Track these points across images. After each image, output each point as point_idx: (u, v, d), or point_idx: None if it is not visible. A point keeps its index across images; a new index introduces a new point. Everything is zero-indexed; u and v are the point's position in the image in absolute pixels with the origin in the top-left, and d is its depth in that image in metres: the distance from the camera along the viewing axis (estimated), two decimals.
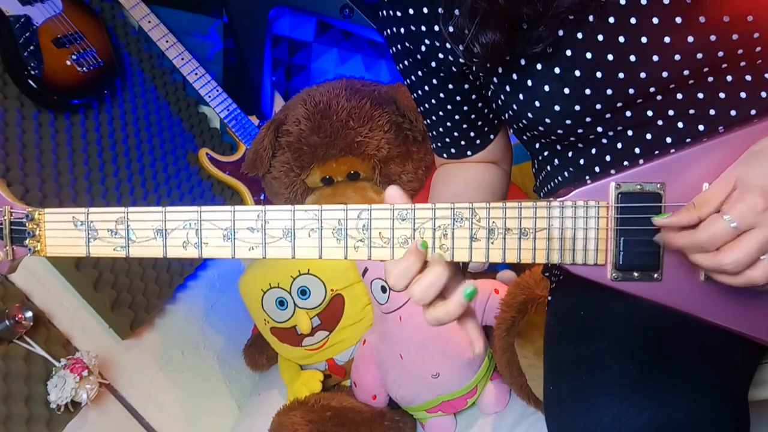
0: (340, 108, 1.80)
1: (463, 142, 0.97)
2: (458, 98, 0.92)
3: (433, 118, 0.96)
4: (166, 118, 2.16)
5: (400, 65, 0.94)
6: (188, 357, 1.97)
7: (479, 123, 0.96)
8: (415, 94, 0.96)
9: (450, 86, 0.91)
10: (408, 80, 0.95)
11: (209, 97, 2.11)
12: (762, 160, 0.65)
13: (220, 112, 2.12)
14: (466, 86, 0.91)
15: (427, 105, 0.95)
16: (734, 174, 0.66)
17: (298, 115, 1.84)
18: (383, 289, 1.58)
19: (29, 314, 1.43)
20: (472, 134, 0.97)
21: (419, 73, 0.92)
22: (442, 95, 0.92)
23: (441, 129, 0.97)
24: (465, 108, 0.93)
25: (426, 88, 0.93)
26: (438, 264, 0.69)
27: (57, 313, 1.58)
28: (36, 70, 1.68)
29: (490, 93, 0.87)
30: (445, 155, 1.01)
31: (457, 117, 0.94)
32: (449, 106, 0.93)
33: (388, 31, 0.90)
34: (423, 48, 0.87)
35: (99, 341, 1.67)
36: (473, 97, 0.92)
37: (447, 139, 0.98)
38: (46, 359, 1.47)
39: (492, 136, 0.98)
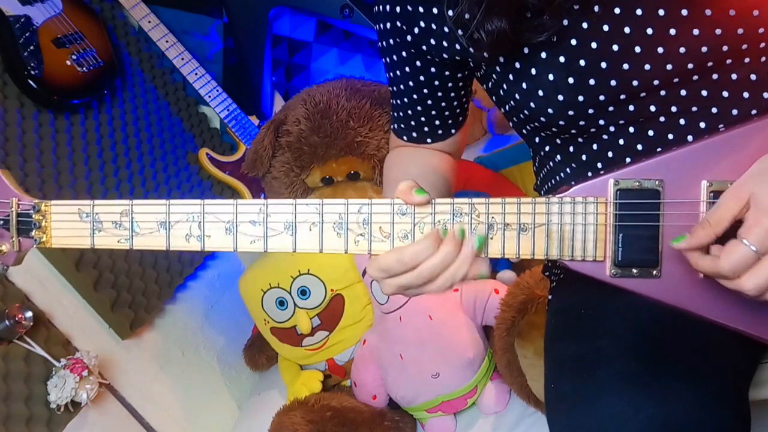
0: (340, 108, 1.80)
1: (426, 129, 0.98)
2: (436, 83, 0.92)
3: (405, 99, 0.97)
4: (166, 118, 2.16)
5: (383, 43, 0.93)
6: (188, 357, 1.97)
7: (446, 113, 0.96)
8: (391, 73, 0.96)
9: (432, 70, 0.91)
10: (388, 59, 0.94)
11: (209, 97, 2.12)
12: None
13: (220, 112, 2.13)
14: (447, 73, 0.91)
15: (401, 86, 0.95)
16: (747, 189, 0.65)
17: (298, 115, 1.84)
18: None
19: (29, 314, 1.43)
20: (437, 122, 0.98)
21: (404, 53, 0.91)
22: (421, 78, 0.92)
23: (409, 111, 0.97)
24: (439, 94, 0.94)
25: (406, 69, 0.92)
26: (450, 241, 0.70)
27: (57, 313, 1.58)
28: (36, 70, 1.68)
29: (491, 84, 0.87)
30: (405, 137, 1.01)
31: (429, 102, 0.95)
32: (425, 90, 0.93)
33: (380, 7, 0.89)
34: (416, 30, 0.86)
35: (99, 341, 1.67)
36: (449, 85, 0.93)
37: (411, 122, 0.99)
38: (46, 359, 1.47)
39: (453, 131, 0.99)
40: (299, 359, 1.85)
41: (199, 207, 0.73)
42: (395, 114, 1.01)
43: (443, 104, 0.95)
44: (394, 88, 0.97)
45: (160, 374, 1.85)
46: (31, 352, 1.44)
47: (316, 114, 1.81)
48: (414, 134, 1.00)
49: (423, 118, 0.97)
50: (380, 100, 1.83)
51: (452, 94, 0.94)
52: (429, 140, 1.00)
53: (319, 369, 1.83)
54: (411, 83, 0.94)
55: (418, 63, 0.91)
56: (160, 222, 0.73)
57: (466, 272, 0.70)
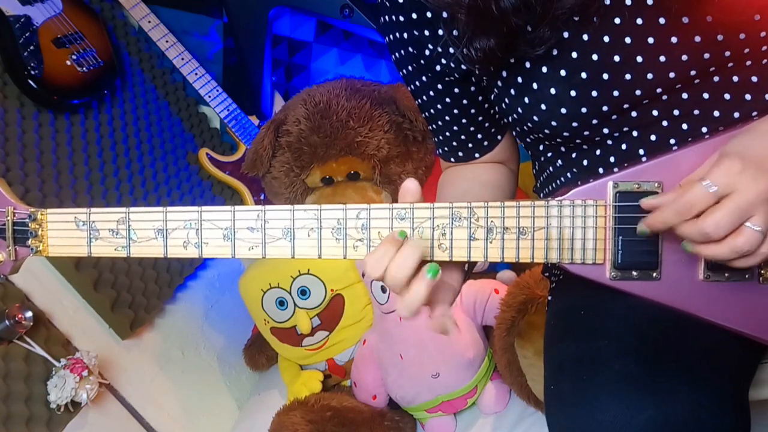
0: (340, 108, 1.80)
1: (470, 145, 0.97)
2: (465, 101, 0.91)
3: (439, 123, 0.95)
4: (166, 118, 2.16)
5: (404, 71, 0.93)
6: (188, 357, 1.97)
7: (486, 125, 0.95)
8: (419, 100, 0.95)
9: (456, 90, 0.90)
10: (412, 86, 0.94)
11: (209, 97, 2.12)
12: (743, 134, 0.67)
13: (220, 112, 2.12)
14: (472, 89, 0.90)
15: (432, 110, 0.94)
16: (718, 152, 0.67)
17: (298, 115, 1.84)
18: (383, 289, 1.58)
19: (29, 314, 1.42)
20: (479, 136, 0.96)
21: (423, 78, 0.91)
22: (447, 99, 0.92)
23: (447, 133, 0.96)
24: (472, 111, 0.93)
25: (431, 93, 0.92)
26: (410, 245, 0.69)
27: (57, 313, 1.58)
28: (36, 70, 1.68)
29: (493, 96, 0.86)
30: (452, 159, 0.99)
31: (464, 120, 0.94)
32: (456, 110, 0.93)
33: (391, 36, 0.89)
34: (427, 53, 0.86)
35: (99, 341, 1.67)
36: (480, 99, 0.92)
37: (454, 143, 0.97)
38: (46, 359, 1.47)
39: (499, 137, 0.97)
40: (299, 359, 1.86)
41: (196, 214, 0.72)
42: (436, 138, 0.99)
43: (480, 118, 0.94)
44: (426, 114, 0.96)
45: (160, 374, 1.85)
46: (31, 352, 1.44)
47: (316, 114, 1.81)
48: (460, 154, 0.98)
49: (463, 136, 0.96)
50: (380, 100, 1.83)
51: (486, 106, 0.93)
52: (477, 155, 0.98)
53: (319, 369, 1.83)
54: (439, 106, 0.93)
55: (439, 86, 0.90)
56: (157, 229, 0.73)
57: (419, 301, 0.69)
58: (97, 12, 1.98)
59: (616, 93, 0.75)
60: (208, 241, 0.73)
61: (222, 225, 0.72)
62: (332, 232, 0.71)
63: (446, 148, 0.99)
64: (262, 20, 2.16)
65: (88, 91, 1.84)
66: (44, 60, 1.71)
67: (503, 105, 0.84)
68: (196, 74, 2.11)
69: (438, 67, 0.87)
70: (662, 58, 0.73)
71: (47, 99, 1.73)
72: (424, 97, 0.93)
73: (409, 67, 0.91)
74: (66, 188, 1.69)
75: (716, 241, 0.63)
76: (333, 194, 1.86)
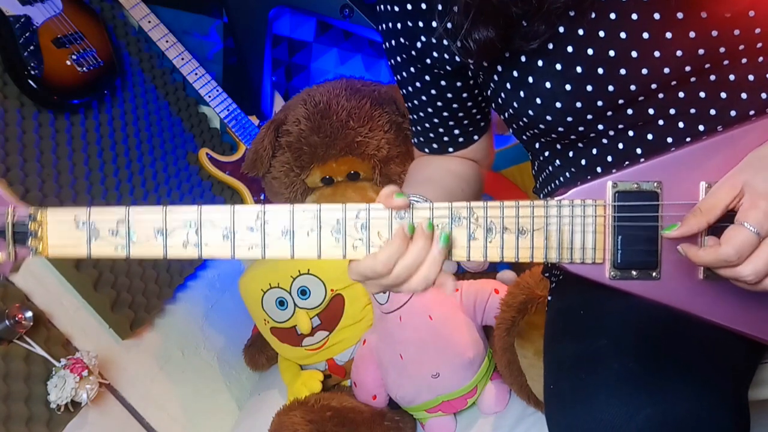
0: (340, 108, 1.80)
1: (446, 139, 0.98)
2: (449, 95, 0.92)
3: (421, 114, 0.97)
4: (166, 118, 2.16)
5: (392, 61, 0.94)
6: (188, 357, 1.97)
7: (465, 122, 0.96)
8: (404, 90, 0.96)
9: (442, 83, 0.91)
10: (399, 76, 0.95)
11: (209, 97, 2.11)
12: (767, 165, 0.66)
13: (220, 112, 2.12)
14: (459, 84, 0.91)
15: (416, 101, 0.96)
16: (740, 179, 0.66)
17: (298, 115, 1.84)
18: None
19: (29, 314, 1.42)
20: (456, 132, 0.97)
21: (412, 69, 0.92)
22: (433, 92, 0.93)
23: (427, 125, 0.98)
24: (455, 106, 0.94)
25: (417, 84, 0.93)
26: (420, 237, 0.70)
27: (57, 313, 1.58)
28: (36, 70, 1.68)
29: (489, 92, 0.87)
30: (426, 150, 1.01)
31: (445, 114, 0.95)
32: (439, 103, 0.94)
33: (384, 26, 0.90)
34: (419, 44, 0.87)
35: (99, 341, 1.67)
36: (464, 95, 0.93)
37: (431, 135, 0.98)
38: (46, 359, 1.47)
39: (476, 137, 0.99)
40: (299, 359, 1.86)
41: (195, 213, 0.72)
42: (414, 128, 1.01)
43: (460, 114, 0.95)
44: (410, 104, 0.98)
45: (160, 374, 1.85)
46: (31, 352, 1.44)
47: (316, 114, 1.81)
48: (435, 146, 0.99)
49: (441, 129, 0.97)
50: (380, 100, 1.83)
51: (469, 103, 0.94)
52: (451, 149, 0.99)
53: (319, 369, 1.83)
54: (424, 98, 0.94)
55: (427, 77, 0.91)
56: (157, 229, 0.73)
57: (438, 272, 0.70)
58: (97, 12, 1.98)
59: (611, 88, 0.76)
60: (208, 242, 0.72)
61: (221, 225, 0.72)
62: (332, 231, 0.72)
63: (422, 139, 1.01)
64: (262, 20, 2.16)
65: (88, 91, 1.83)
66: (44, 60, 1.71)
67: (499, 100, 0.85)
68: (196, 74, 2.11)
69: (428, 60, 0.88)
70: (657, 54, 0.74)
71: (47, 99, 1.72)
72: (410, 88, 0.95)
73: (399, 58, 0.92)
74: (66, 188, 1.69)
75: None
76: (333, 194, 1.86)
